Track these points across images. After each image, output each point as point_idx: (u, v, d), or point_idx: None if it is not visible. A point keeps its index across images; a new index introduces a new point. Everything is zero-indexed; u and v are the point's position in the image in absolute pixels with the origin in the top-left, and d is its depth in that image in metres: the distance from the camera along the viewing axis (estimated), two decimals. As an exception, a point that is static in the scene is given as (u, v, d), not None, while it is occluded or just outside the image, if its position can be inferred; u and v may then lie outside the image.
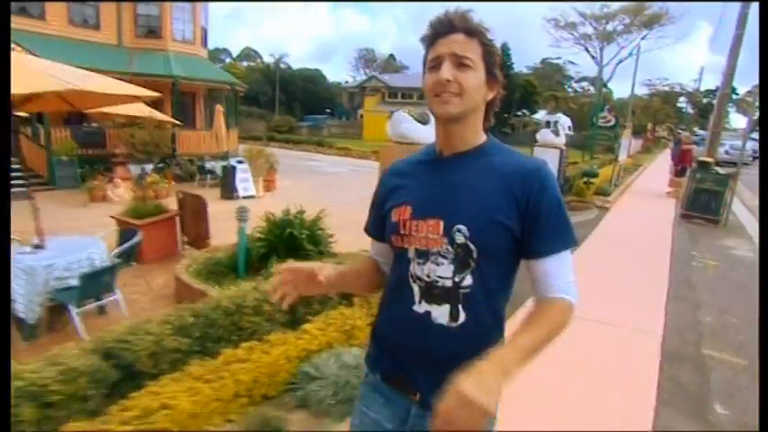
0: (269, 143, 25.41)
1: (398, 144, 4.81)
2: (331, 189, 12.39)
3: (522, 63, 45.57)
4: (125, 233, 5.00)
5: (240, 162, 11.62)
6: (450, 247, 1.03)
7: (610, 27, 38.56)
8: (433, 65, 1.03)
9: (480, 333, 1.06)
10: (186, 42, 15.86)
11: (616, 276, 5.49)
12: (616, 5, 37.92)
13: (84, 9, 14.03)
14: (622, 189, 12.13)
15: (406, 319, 1.09)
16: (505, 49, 37.32)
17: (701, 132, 35.15)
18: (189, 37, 15.99)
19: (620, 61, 38.76)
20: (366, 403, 1.20)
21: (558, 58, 47.79)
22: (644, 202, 11.09)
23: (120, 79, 12.47)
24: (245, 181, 11.37)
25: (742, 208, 10.73)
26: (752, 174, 16.35)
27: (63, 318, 3.84)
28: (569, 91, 49.61)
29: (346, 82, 59.10)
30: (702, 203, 8.74)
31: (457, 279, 1.04)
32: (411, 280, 1.09)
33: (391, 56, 69.66)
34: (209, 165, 13.40)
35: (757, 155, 26.57)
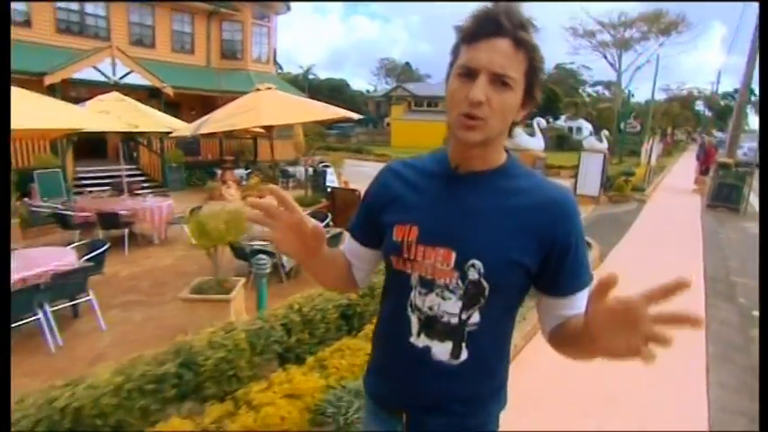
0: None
1: (518, 152, 6.98)
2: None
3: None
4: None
5: (327, 166, 13.81)
6: (460, 282, 0.92)
7: (627, 35, 40.00)
8: (464, 72, 0.86)
9: (482, 371, 0.99)
10: (262, 62, 18.17)
11: (662, 247, 7.44)
12: (634, 13, 39.38)
13: (183, 37, 16.39)
14: (654, 186, 14.07)
15: (401, 349, 1.00)
16: (529, 59, 39.26)
17: (719, 135, 36.63)
18: (264, 57, 18.30)
19: (638, 67, 40.18)
20: (369, 428, 1.14)
21: (572, 63, 48.74)
22: (674, 196, 13.04)
23: (210, 96, 15.08)
24: (332, 182, 13.54)
25: (754, 197, 12.63)
26: None
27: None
28: (584, 95, 51.10)
29: (368, 91, 61.44)
30: (724, 196, 10.68)
31: (464, 316, 0.94)
32: (410, 309, 0.98)
33: (407, 64, 71.99)
34: (291, 169, 15.59)
35: (775, 156, 28.12)
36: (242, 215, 4.17)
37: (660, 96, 51.61)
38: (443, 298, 0.94)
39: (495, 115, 0.86)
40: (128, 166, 13.94)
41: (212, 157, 15.97)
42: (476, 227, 0.92)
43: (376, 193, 1.08)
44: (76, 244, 5.40)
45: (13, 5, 12.29)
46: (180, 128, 5.32)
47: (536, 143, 7.91)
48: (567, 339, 0.93)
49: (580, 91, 51.68)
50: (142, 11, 15.05)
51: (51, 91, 11.66)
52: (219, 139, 15.74)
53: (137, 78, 12.98)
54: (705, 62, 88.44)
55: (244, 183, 13.49)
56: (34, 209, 7.87)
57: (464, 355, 0.96)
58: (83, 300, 4.44)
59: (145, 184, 13.41)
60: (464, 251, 0.91)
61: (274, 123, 4.80)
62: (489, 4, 0.86)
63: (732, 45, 60.83)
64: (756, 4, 13.79)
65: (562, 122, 37.17)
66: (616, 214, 9.72)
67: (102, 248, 5.07)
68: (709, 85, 53.46)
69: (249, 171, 15.16)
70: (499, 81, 0.84)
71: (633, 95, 47.69)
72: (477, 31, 0.85)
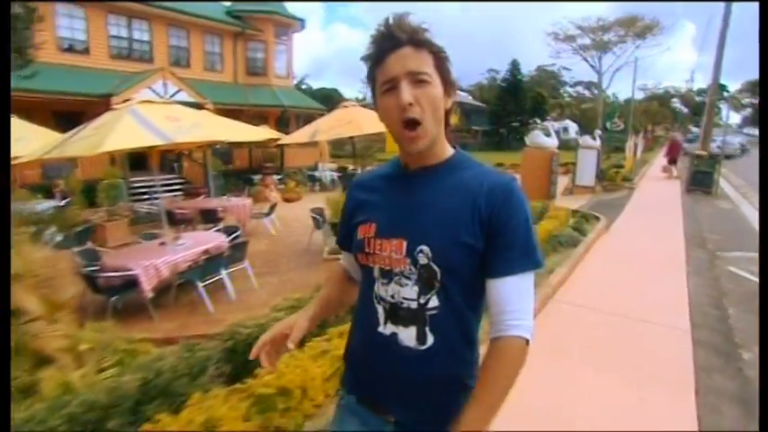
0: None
1: (536, 149, 8.85)
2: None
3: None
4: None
5: (355, 170, 15.58)
6: (413, 268, 1.00)
7: (606, 38, 42.17)
8: (388, 87, 0.98)
9: (449, 355, 1.03)
10: (282, 77, 19.90)
11: (649, 221, 9.35)
12: (611, 18, 41.55)
13: (213, 56, 18.05)
14: (640, 177, 16.17)
15: (372, 341, 1.07)
16: (516, 65, 41.52)
17: (696, 130, 39.25)
18: (284, 72, 20.03)
19: (617, 69, 42.47)
20: (342, 425, 1.17)
21: (553, 64, 49.56)
22: (657, 184, 15.16)
23: (238, 109, 16.79)
24: (360, 183, 15.30)
25: (727, 184, 14.89)
26: (740, 163, 20.74)
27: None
28: (566, 96, 53.25)
29: (357, 99, 63.22)
30: (699, 181, 12.75)
31: (422, 300, 1.00)
32: (375, 300, 1.07)
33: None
34: (317, 173, 17.31)
35: (745, 147, 30.64)
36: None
37: (639, 95, 54.43)
38: (401, 285, 1.01)
39: (427, 112, 0.96)
40: (173, 176, 15.63)
41: (243, 165, 17.61)
42: (423, 215, 1.01)
43: (346, 205, 1.19)
44: (215, 229, 7.15)
45: (70, 32, 13.89)
46: (266, 137, 6.91)
47: (551, 142, 9.38)
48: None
49: (561, 91, 53.76)
50: (179, 34, 16.71)
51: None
52: (249, 149, 17.41)
53: (184, 96, 14.62)
54: (679, 61, 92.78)
55: (280, 186, 15.20)
56: (145, 209, 9.54)
57: (430, 339, 1.01)
58: (243, 266, 6.11)
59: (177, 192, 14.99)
60: (413, 238, 0.99)
61: (371, 131, 6.49)
62: (381, 26, 0.98)
63: (703, 44, 64.11)
64: (720, 4, 15.53)
65: (546, 123, 39.40)
66: (611, 200, 11.65)
67: (238, 232, 6.83)
68: (685, 83, 56.42)
69: (280, 177, 16.85)
70: (417, 80, 0.95)
71: (617, 98, 50.14)
72: (381, 51, 0.97)
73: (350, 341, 1.20)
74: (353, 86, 69.07)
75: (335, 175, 16.80)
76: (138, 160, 16.53)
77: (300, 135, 7.46)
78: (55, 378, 2.55)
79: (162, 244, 5.88)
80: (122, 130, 4.60)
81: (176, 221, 8.88)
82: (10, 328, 1.54)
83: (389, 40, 0.97)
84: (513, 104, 40.02)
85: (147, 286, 5.00)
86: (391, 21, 0.97)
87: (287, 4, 19.91)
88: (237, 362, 2.77)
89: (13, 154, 4.44)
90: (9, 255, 1.70)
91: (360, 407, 1.13)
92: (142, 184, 14.42)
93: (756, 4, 5.53)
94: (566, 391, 2.95)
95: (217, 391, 2.36)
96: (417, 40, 0.97)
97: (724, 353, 3.53)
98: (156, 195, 12.82)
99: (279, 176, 16.40)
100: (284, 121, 18.33)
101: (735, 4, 15.33)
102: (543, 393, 2.84)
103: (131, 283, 4.98)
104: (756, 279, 5.35)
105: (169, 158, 16.20)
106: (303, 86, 60.77)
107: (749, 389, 3.00)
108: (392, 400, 1.07)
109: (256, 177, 16.14)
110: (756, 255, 6.09)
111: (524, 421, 2.45)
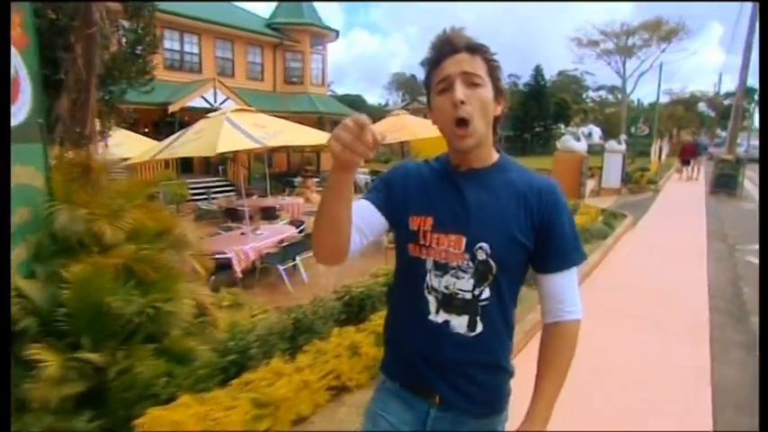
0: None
1: (567, 153, 9.58)
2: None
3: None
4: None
5: (388, 172, 16.55)
6: (471, 263, 1.08)
7: (630, 42, 42.06)
8: (443, 87, 1.06)
9: (494, 341, 1.14)
10: (318, 85, 21.00)
11: (674, 219, 9.99)
12: (635, 22, 41.34)
13: (254, 66, 19.24)
14: (665, 180, 16.67)
15: (422, 327, 1.13)
16: (539, 71, 41.95)
17: (723, 134, 39.11)
18: (319, 81, 21.13)
19: (642, 73, 42.28)
20: (383, 408, 1.23)
21: (576, 69, 49.20)
22: (682, 187, 15.74)
23: (278, 116, 17.36)
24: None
25: (751, 185, 15.31)
26: None
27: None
28: (588, 100, 53.11)
29: (380, 105, 64.44)
30: (723, 183, 13.28)
31: (476, 292, 1.09)
32: (426, 290, 1.13)
33: (413, 77, 74.95)
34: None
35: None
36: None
37: (663, 99, 54.05)
38: (457, 278, 1.09)
39: (477, 112, 1.04)
40: (217, 178, 16.77)
41: (282, 169, 18.71)
42: (480, 214, 1.08)
43: (396, 174, 1.21)
44: (283, 222, 8.14)
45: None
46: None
47: (581, 146, 10.39)
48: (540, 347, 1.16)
49: (584, 96, 53.64)
50: (225, 46, 17.93)
51: (173, 117, 14.51)
52: (287, 153, 18.50)
53: (232, 104, 15.74)
54: (706, 63, 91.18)
55: (319, 189, 16.23)
56: (204, 207, 10.62)
57: (479, 327, 1.10)
58: (311, 254, 7.02)
59: (232, 192, 16.08)
60: (472, 235, 1.07)
61: (423, 136, 7.35)
62: (440, 36, 1.10)
63: (731, 45, 63.28)
64: (750, 4, 15.67)
65: (573, 129, 39.71)
66: (637, 200, 12.27)
67: (303, 225, 7.79)
68: (712, 85, 55.86)
69: (318, 179, 17.88)
70: (471, 82, 1.04)
71: (642, 103, 49.81)
72: (439, 55, 1.07)
73: (393, 328, 1.25)
74: (373, 92, 69.79)
75: (369, 178, 17.73)
76: (184, 164, 17.83)
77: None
78: (225, 319, 3.49)
79: (242, 234, 6.84)
80: (227, 135, 5.56)
81: (239, 218, 9.90)
82: (10, 326, 1.53)
83: (448, 46, 1.07)
84: (536, 110, 40.40)
85: (238, 267, 5.95)
86: (449, 31, 1.10)
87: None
88: (352, 312, 3.69)
89: (119, 156, 5.38)
90: (9, 254, 1.64)
91: (403, 391, 1.19)
92: (196, 186, 15.59)
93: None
94: (603, 343, 3.73)
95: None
96: (473, 46, 1.06)
97: (735, 317, 4.28)
98: (213, 195, 14.00)
99: (317, 179, 17.42)
100: (321, 127, 19.37)
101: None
102: (587, 345, 3.67)
103: (225, 265, 5.93)
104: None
105: (214, 162, 17.37)
106: (329, 93, 62.36)
107: (754, 339, 3.77)
108: (438, 381, 1.13)
109: (296, 180, 17.19)
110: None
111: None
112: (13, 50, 2.70)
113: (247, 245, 6.23)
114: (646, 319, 4.21)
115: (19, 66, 2.79)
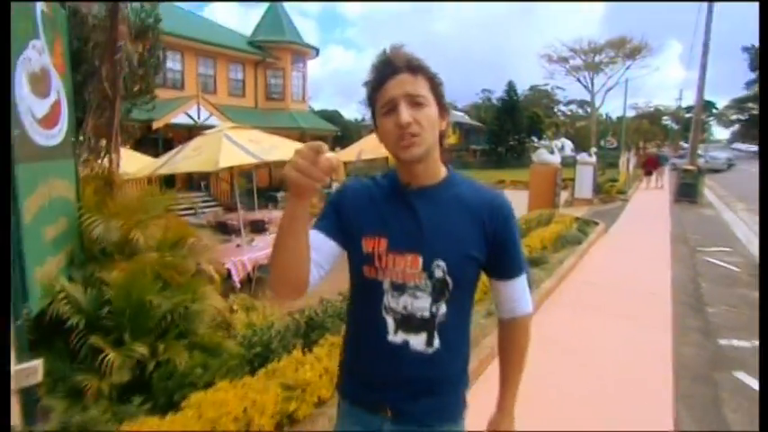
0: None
1: (542, 165, 10.16)
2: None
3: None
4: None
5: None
6: (428, 281, 1.08)
7: (597, 59, 43.88)
8: (388, 108, 1.05)
9: (451, 354, 1.15)
10: (299, 101, 21.40)
11: (641, 225, 10.68)
12: (602, 40, 43.18)
13: (236, 83, 19.53)
14: (633, 191, 17.61)
15: (381, 349, 1.12)
16: (512, 86, 43.40)
17: (686, 146, 41.08)
18: (299, 97, 21.54)
19: (609, 89, 44.00)
20: (341, 429, 1.24)
21: (546, 84, 50.73)
22: (648, 196, 16.64)
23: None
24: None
25: (713, 195, 16.52)
26: (727, 177, 22.66)
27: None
28: (559, 114, 55.13)
29: (356, 120, 65.12)
30: (685, 192, 14.21)
31: (434, 309, 1.10)
32: (384, 311, 1.11)
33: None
34: (332, 190, 18.64)
35: (732, 162, 32.34)
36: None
37: (630, 114, 56.27)
38: (415, 297, 1.09)
39: (425, 129, 1.04)
40: (202, 193, 16.91)
41: (264, 184, 18.91)
42: (435, 232, 1.08)
43: (343, 196, 1.17)
44: (273, 235, 8.42)
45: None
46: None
47: (555, 159, 10.97)
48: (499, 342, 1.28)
49: (555, 110, 55.49)
50: (207, 63, 18.18)
51: (156, 133, 14.65)
52: (269, 168, 18.73)
53: (215, 120, 15.97)
54: (667, 79, 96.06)
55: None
56: (194, 222, 10.78)
57: (436, 342, 1.11)
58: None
59: (216, 207, 16.22)
60: (429, 254, 1.07)
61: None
62: (380, 56, 1.08)
63: (690, 62, 66.52)
64: (703, 26, 16.03)
65: (547, 142, 41.06)
66: (608, 209, 12.99)
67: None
68: (674, 100, 58.48)
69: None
70: (415, 102, 1.03)
71: (610, 117, 51.88)
72: (381, 76, 1.06)
73: (351, 350, 1.25)
74: (349, 107, 70.52)
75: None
76: (167, 180, 17.88)
77: (348, 154, 8.78)
78: (241, 319, 3.80)
79: (238, 246, 7.13)
80: (227, 150, 5.88)
81: (228, 231, 10.13)
82: (10, 326, 1.65)
83: (389, 67, 1.06)
84: (510, 124, 41.69)
85: (237, 277, 6.23)
86: (389, 51, 1.08)
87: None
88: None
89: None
90: (9, 254, 1.73)
91: (354, 408, 1.20)
92: (181, 201, 15.67)
93: (734, 14, 6.48)
94: (580, 333, 4.23)
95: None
96: (414, 66, 1.05)
97: (694, 308, 4.86)
98: (203, 210, 14.14)
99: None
100: (302, 143, 19.75)
101: (715, 21, 15.59)
102: (564, 330, 4.15)
103: (225, 276, 6.20)
104: (727, 266, 6.69)
105: (197, 178, 17.49)
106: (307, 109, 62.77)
107: (709, 326, 4.39)
108: (393, 398, 1.13)
109: (279, 194, 17.42)
110: (729, 249, 7.46)
111: (551, 351, 3.74)
112: (56, 76, 3.02)
113: (244, 256, 6.52)
114: (618, 312, 4.72)
115: (60, 91, 3.10)
